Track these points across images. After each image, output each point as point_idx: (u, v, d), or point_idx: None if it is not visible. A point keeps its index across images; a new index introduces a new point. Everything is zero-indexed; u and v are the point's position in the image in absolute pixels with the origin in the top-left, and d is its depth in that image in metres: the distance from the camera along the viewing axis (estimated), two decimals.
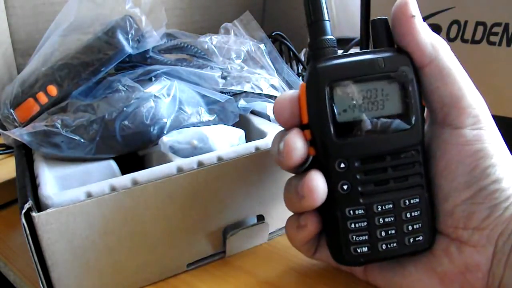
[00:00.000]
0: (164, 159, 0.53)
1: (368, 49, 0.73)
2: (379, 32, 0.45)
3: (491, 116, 0.44)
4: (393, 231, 0.44)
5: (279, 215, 0.58)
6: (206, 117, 0.60)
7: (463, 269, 0.42)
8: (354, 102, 0.43)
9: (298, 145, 0.43)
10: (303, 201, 0.43)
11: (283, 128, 0.47)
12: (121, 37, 0.56)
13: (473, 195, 0.41)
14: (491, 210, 0.41)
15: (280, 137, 0.45)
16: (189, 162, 0.50)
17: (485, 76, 0.61)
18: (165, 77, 0.59)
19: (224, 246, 0.55)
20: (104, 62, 0.56)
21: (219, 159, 0.51)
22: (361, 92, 0.43)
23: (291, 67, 0.87)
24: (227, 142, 0.56)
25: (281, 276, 0.52)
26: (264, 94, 0.67)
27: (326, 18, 0.44)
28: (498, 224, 0.41)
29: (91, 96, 0.57)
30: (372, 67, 0.43)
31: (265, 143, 0.54)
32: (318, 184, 0.43)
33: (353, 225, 0.44)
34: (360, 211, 0.44)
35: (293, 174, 0.47)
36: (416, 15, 0.43)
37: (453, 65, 0.43)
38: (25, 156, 0.57)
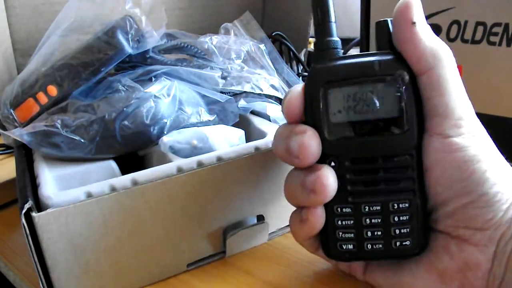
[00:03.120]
0: (164, 159, 0.53)
1: (368, 49, 0.74)
2: (382, 34, 0.45)
3: (481, 125, 0.43)
4: (379, 233, 0.44)
5: (279, 215, 0.58)
6: (206, 117, 0.60)
7: (463, 266, 0.42)
8: (349, 103, 0.43)
9: (313, 146, 0.43)
10: (312, 195, 0.43)
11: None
12: (121, 37, 0.56)
13: (474, 200, 0.41)
14: (494, 213, 0.41)
15: (286, 133, 0.44)
16: (189, 162, 0.50)
17: (485, 76, 0.61)
18: (165, 77, 0.59)
19: (224, 246, 0.55)
20: (104, 62, 0.56)
21: (219, 159, 0.51)
22: (356, 94, 0.43)
23: (291, 67, 0.87)
24: (227, 142, 0.56)
25: (281, 276, 0.52)
26: (264, 94, 0.67)
27: (333, 20, 0.45)
28: (500, 225, 0.41)
29: (91, 96, 0.57)
30: (368, 70, 0.43)
31: (265, 143, 0.54)
32: (331, 181, 0.43)
33: (340, 222, 0.45)
34: (348, 210, 0.45)
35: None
36: (417, 22, 0.42)
37: (452, 76, 0.42)
38: (25, 156, 0.57)
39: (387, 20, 0.45)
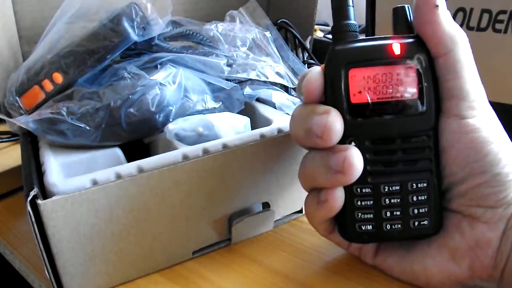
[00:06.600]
0: (170, 147, 0.53)
1: (374, 35, 0.73)
2: (400, 19, 0.46)
3: (491, 108, 0.45)
4: (398, 213, 0.45)
5: (285, 203, 0.58)
6: (211, 104, 0.60)
7: (473, 244, 0.43)
8: (369, 84, 0.44)
9: (338, 126, 0.43)
10: (339, 176, 0.43)
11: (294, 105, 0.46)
12: (126, 24, 0.56)
13: (489, 179, 0.42)
14: (506, 192, 0.42)
15: (306, 113, 0.44)
16: (195, 150, 0.50)
17: (490, 64, 0.60)
18: (170, 65, 0.59)
19: (230, 234, 0.55)
20: (110, 49, 0.56)
21: (225, 146, 0.51)
22: (376, 75, 0.44)
23: (297, 54, 0.86)
24: (232, 129, 0.56)
25: (287, 263, 0.52)
26: (270, 81, 0.67)
27: (350, 3, 0.46)
28: (511, 204, 0.42)
29: (96, 84, 0.57)
30: (388, 52, 0.43)
31: (271, 130, 0.54)
32: (358, 161, 0.43)
33: (359, 203, 0.45)
34: (367, 190, 0.45)
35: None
36: (439, 5, 0.43)
37: (467, 60, 0.43)
38: (30, 144, 0.57)
39: (404, 6, 0.46)
